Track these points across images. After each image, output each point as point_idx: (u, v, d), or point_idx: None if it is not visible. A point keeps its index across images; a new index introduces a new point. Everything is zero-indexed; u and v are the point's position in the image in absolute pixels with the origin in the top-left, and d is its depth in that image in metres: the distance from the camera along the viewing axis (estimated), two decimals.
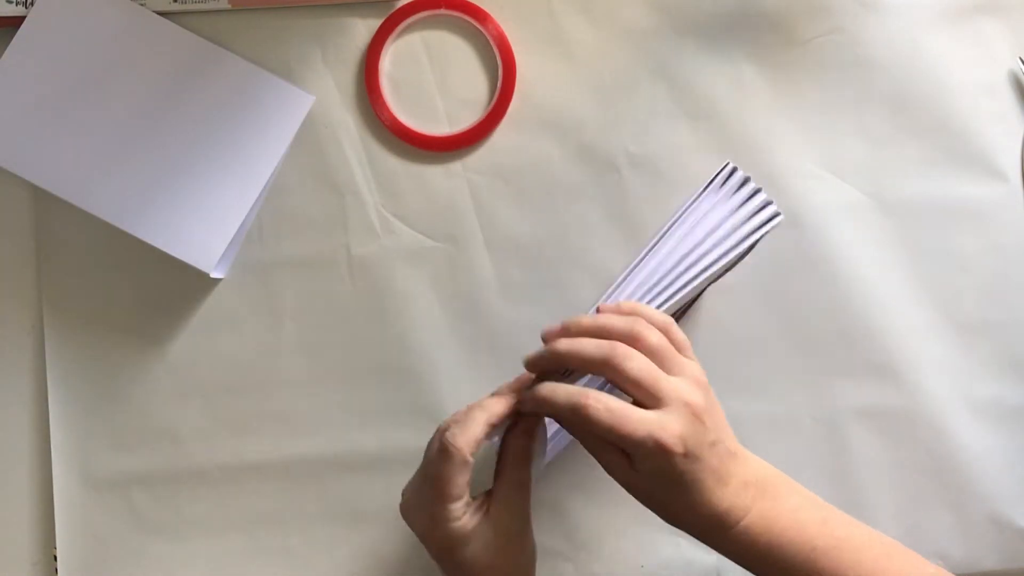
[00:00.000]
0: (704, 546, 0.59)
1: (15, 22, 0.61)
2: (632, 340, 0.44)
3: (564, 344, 0.45)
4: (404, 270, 0.62)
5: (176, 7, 0.62)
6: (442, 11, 0.62)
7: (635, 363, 0.43)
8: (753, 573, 0.47)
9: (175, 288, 0.62)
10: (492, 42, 0.62)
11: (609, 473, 0.45)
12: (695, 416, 0.44)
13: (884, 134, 0.61)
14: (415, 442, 0.61)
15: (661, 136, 0.62)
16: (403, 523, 0.60)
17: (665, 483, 0.44)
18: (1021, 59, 0.61)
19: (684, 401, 0.44)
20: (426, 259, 0.62)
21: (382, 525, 0.61)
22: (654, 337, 0.45)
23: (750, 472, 0.46)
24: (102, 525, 0.61)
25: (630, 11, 0.62)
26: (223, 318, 0.62)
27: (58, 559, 0.61)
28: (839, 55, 0.62)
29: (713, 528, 0.46)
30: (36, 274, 0.63)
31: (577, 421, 0.43)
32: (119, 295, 0.62)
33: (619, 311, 0.47)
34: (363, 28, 0.63)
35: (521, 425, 0.48)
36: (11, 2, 0.61)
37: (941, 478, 0.59)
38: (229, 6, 0.62)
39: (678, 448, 0.43)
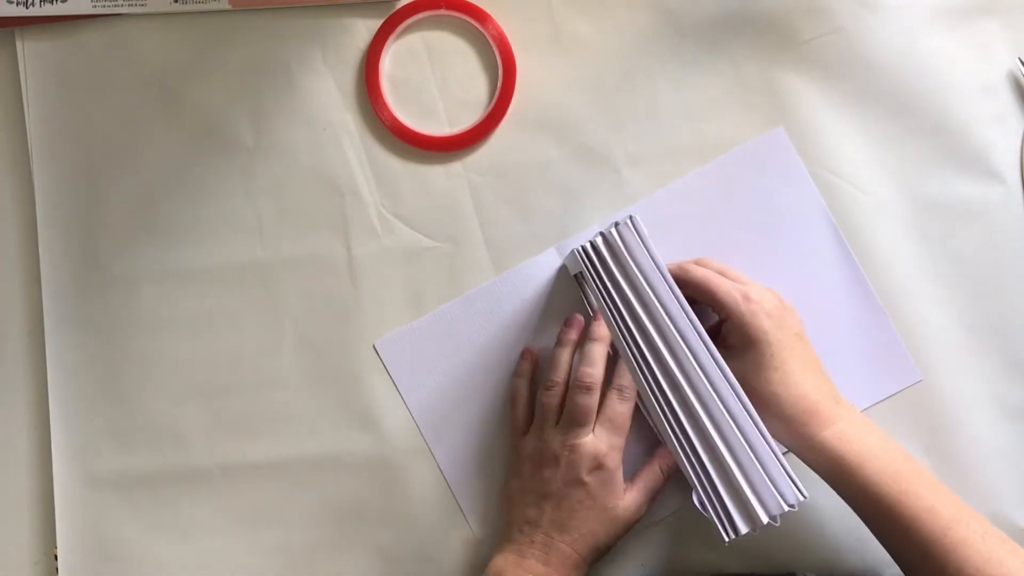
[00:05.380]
0: (704, 546, 0.60)
1: (15, 22, 0.61)
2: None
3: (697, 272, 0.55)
4: (404, 270, 0.62)
5: (176, 7, 0.62)
6: (442, 11, 0.62)
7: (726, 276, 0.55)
8: (839, 491, 0.51)
9: (174, 288, 0.62)
10: (492, 42, 0.62)
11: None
12: (780, 302, 0.54)
13: (883, 134, 0.61)
14: (414, 441, 0.61)
15: (661, 136, 0.62)
16: (402, 522, 0.61)
17: (760, 346, 0.51)
18: (1021, 59, 0.61)
19: (770, 290, 0.55)
20: (426, 259, 0.62)
21: (382, 525, 0.61)
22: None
23: (841, 396, 0.53)
24: (102, 525, 0.61)
25: (630, 11, 0.62)
26: (223, 318, 0.62)
27: (58, 559, 0.61)
28: (839, 55, 0.61)
29: (805, 422, 0.50)
30: (37, 274, 0.63)
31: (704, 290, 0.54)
32: (119, 295, 0.62)
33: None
34: (363, 28, 0.63)
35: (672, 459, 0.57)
36: (11, 2, 0.61)
37: (941, 477, 0.59)
38: (229, 6, 0.62)
39: (763, 304, 0.52)
